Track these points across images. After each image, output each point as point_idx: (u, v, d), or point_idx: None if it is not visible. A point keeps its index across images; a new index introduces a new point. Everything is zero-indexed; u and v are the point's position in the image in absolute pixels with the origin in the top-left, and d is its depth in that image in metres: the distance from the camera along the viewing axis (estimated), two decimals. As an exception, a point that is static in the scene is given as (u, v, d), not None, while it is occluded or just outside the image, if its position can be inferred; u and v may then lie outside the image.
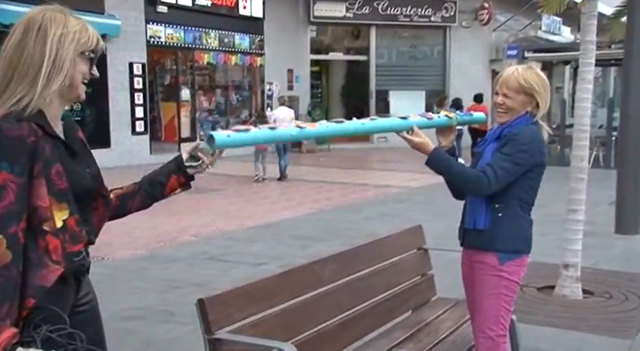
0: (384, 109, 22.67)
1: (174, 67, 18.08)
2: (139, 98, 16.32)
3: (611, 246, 7.63)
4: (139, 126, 16.40)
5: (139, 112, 16.37)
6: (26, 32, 1.92)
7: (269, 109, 16.25)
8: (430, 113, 3.18)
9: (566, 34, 27.49)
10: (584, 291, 5.75)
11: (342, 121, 2.78)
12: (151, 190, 2.32)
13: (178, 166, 2.33)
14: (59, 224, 1.90)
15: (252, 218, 9.54)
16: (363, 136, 22.33)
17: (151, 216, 9.77)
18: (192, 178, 2.36)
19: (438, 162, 2.97)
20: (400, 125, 2.98)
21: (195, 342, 3.05)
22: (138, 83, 16.27)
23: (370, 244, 3.89)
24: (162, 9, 16.66)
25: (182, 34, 17.53)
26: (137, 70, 16.20)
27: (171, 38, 17.29)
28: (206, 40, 18.25)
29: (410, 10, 22.41)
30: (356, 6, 21.81)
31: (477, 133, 14.57)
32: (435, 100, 20.03)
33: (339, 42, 24.03)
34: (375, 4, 21.98)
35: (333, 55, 23.90)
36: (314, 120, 20.49)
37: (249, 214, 9.96)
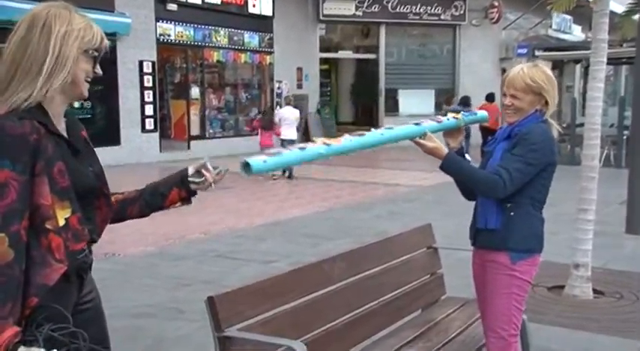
0: (393, 108, 22.66)
1: (184, 65, 18.11)
2: (148, 96, 16.36)
3: (622, 246, 7.59)
4: (149, 124, 16.44)
5: (149, 109, 16.41)
6: (30, 28, 1.91)
7: (278, 107, 16.26)
8: (439, 116, 3.16)
9: (576, 33, 27.36)
10: (595, 291, 5.72)
11: (363, 134, 2.77)
12: (151, 200, 2.31)
13: (182, 180, 2.33)
14: (62, 222, 1.90)
15: (262, 216, 9.55)
16: (373, 135, 22.33)
17: (161, 213, 9.78)
18: (194, 193, 2.35)
19: (452, 166, 2.96)
20: (415, 132, 2.96)
21: (204, 339, 3.05)
22: (148, 81, 16.31)
23: (380, 243, 3.89)
24: (172, 7, 16.69)
25: (192, 32, 17.56)
26: (147, 68, 16.24)
27: (181, 36, 17.32)
28: (216, 38, 18.27)
29: (419, 9, 22.36)
30: (365, 4, 21.78)
31: (488, 132, 14.52)
32: (444, 98, 20.01)
33: (349, 40, 24.01)
34: (384, 2, 21.94)
35: (342, 54, 23.89)
36: (323, 118, 20.67)
37: (259, 212, 9.97)
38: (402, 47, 23.30)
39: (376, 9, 21.90)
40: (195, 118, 18.18)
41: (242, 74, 19.92)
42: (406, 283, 3.89)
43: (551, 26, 25.40)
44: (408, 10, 22.26)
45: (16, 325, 1.78)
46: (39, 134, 1.85)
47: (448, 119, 3.13)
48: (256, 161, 2.31)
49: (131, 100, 15.92)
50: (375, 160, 18.52)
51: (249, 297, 2.81)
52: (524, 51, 20.62)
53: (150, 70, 16.34)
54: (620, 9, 12.09)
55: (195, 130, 18.13)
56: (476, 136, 15.41)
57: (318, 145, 2.55)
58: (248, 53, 19.32)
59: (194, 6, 17.31)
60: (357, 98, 25.20)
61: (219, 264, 6.82)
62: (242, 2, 18.60)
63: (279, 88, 20.13)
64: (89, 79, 2.02)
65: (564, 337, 4.76)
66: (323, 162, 16.24)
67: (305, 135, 20.03)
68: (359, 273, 3.52)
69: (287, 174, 13.86)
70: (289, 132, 14.01)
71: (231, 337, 2.61)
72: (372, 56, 23.02)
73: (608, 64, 6.02)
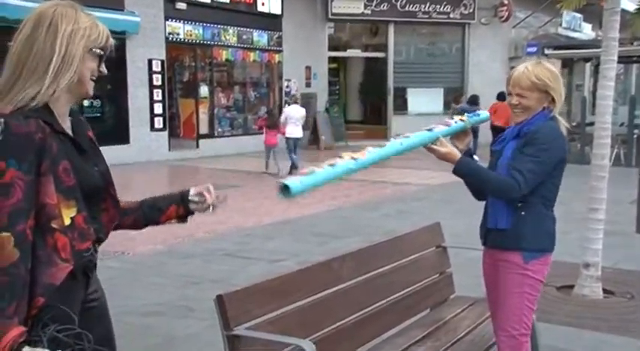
0: (402, 107, 22.63)
1: (193, 63, 18.14)
2: (157, 95, 16.40)
3: (632, 245, 7.55)
4: (158, 122, 16.47)
5: (158, 108, 16.45)
6: (36, 27, 1.91)
7: (287, 105, 16.27)
8: (448, 120, 3.14)
9: (587, 31, 27.22)
10: (605, 291, 5.69)
11: (383, 145, 2.78)
12: (148, 213, 2.30)
13: (182, 198, 2.32)
14: (67, 222, 1.89)
15: (270, 215, 9.55)
16: (381, 133, 22.32)
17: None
18: (191, 213, 2.34)
19: (465, 170, 2.96)
20: (429, 138, 2.94)
21: (214, 338, 3.05)
22: (157, 80, 16.34)
23: (389, 242, 3.88)
24: (182, 6, 16.71)
25: (201, 31, 17.58)
26: (156, 66, 16.28)
27: (190, 35, 17.34)
28: (224, 37, 18.29)
29: (428, 7, 22.30)
30: (374, 3, 21.74)
31: (499, 131, 14.46)
32: (452, 97, 19.97)
33: (357, 39, 23.98)
34: (393, 0, 21.89)
35: (351, 52, 23.86)
36: (332, 117, 20.64)
37: (267, 210, 9.97)
38: (411, 46, 23.24)
39: (385, 7, 21.85)
40: (204, 117, 18.21)
41: (251, 73, 19.94)
42: (415, 282, 3.89)
43: (561, 24, 25.28)
44: (417, 9, 22.21)
45: (22, 324, 1.78)
46: (44, 133, 1.85)
47: (456, 122, 3.11)
48: (294, 183, 2.32)
49: (140, 98, 15.96)
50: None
51: (258, 296, 2.81)
52: (534, 50, 20.55)
53: (159, 69, 16.37)
54: (631, 7, 12.03)
55: (203, 128, 18.15)
56: (484, 136, 15.35)
57: (347, 160, 2.56)
58: (257, 52, 19.34)
59: (203, 5, 17.33)
60: (365, 97, 25.16)
61: (228, 263, 6.83)
62: (251, 1, 18.61)
63: (287, 86, 20.14)
64: (94, 78, 2.02)
65: (573, 337, 4.74)
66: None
67: (313, 134, 20.05)
68: (368, 272, 3.52)
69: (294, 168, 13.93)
70: (295, 130, 14.07)
71: (240, 336, 2.61)
72: (380, 55, 22.97)
73: (618, 62, 5.99)
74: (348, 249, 3.60)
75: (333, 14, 21.41)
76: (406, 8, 22.07)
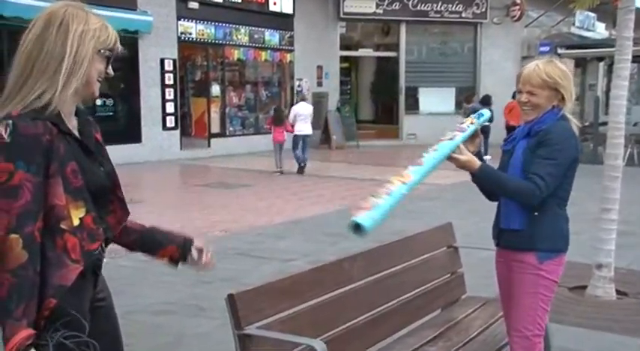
0: (413, 106, 22.58)
1: (205, 63, 18.18)
2: (169, 94, 16.45)
3: (646, 246, 7.49)
4: (170, 121, 16.52)
5: (170, 107, 16.50)
6: (47, 27, 1.91)
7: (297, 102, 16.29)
8: (460, 125, 3.08)
9: (600, 30, 27.03)
10: (618, 292, 5.66)
11: (420, 163, 2.77)
12: (148, 242, 2.29)
13: (185, 244, 2.32)
14: (76, 222, 1.89)
15: (282, 214, 9.56)
16: (392, 133, 22.31)
17: (182, 211, 9.86)
18: (184, 260, 2.33)
19: (486, 178, 2.93)
20: (452, 147, 2.89)
21: (225, 337, 3.06)
22: (169, 79, 16.40)
23: (400, 242, 3.87)
24: (194, 5, 16.76)
25: (213, 31, 17.62)
26: (168, 66, 16.33)
27: (202, 34, 17.39)
28: (236, 37, 18.32)
29: (440, 6, 22.24)
30: (386, 2, 21.70)
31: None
32: (464, 96, 19.89)
33: (369, 38, 23.94)
34: (405, 0, 21.85)
35: (362, 52, 23.84)
36: (343, 117, 20.63)
37: (279, 210, 9.98)
38: (423, 45, 23.18)
39: (397, 7, 21.81)
40: (215, 116, 18.25)
41: (262, 72, 19.96)
42: (426, 282, 3.88)
43: (574, 24, 25.13)
44: (429, 8, 22.15)
45: (32, 326, 1.78)
46: (51, 135, 1.85)
47: (468, 126, 3.07)
48: (365, 220, 2.40)
49: (152, 98, 16.01)
50: (395, 158, 18.48)
51: (269, 295, 2.81)
52: (547, 49, 20.43)
53: (171, 68, 16.42)
54: (644, 6, 11.93)
55: (215, 127, 18.19)
56: (495, 136, 15.28)
57: (399, 185, 2.62)
58: (268, 51, 19.36)
59: (215, 4, 17.38)
60: (377, 96, 25.13)
61: (239, 262, 6.83)
62: (263, 0, 18.64)
63: (299, 86, 20.14)
64: (101, 79, 2.02)
65: (586, 338, 4.71)
66: (343, 160, 16.28)
67: (325, 133, 20.05)
68: (379, 272, 3.51)
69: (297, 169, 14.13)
70: (304, 127, 14.19)
71: (251, 335, 2.61)
72: (392, 54, 22.93)
73: (632, 61, 5.94)
74: (359, 249, 3.59)
75: (344, 14, 21.40)
76: (418, 7, 22.02)
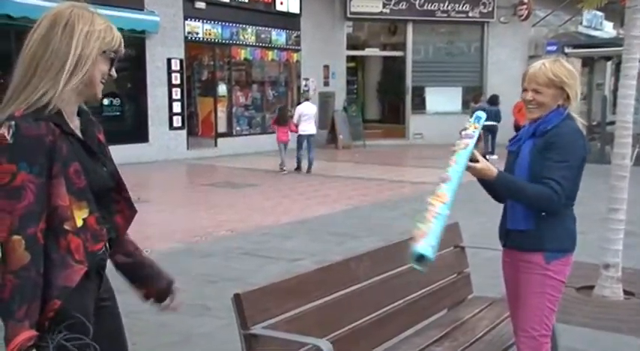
0: (420, 106, 22.55)
1: (212, 62, 18.20)
2: (176, 94, 16.48)
3: (653, 246, 7.46)
4: (177, 121, 16.55)
5: (177, 107, 16.53)
6: (52, 27, 1.92)
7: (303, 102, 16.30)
8: (467, 132, 3.00)
9: (608, 29, 26.93)
10: (625, 292, 5.64)
11: (446, 178, 2.81)
12: (136, 271, 2.28)
13: (166, 289, 2.34)
14: (80, 223, 1.89)
15: (288, 214, 9.56)
16: (399, 132, 22.30)
17: (189, 210, 9.88)
18: (159, 302, 2.35)
19: (503, 186, 2.92)
20: (467, 156, 2.89)
21: (230, 336, 3.06)
22: (176, 79, 16.42)
23: (406, 242, 3.85)
24: (201, 5, 16.78)
25: (219, 30, 17.64)
26: (175, 65, 16.35)
27: (209, 34, 17.41)
28: (243, 36, 18.34)
29: (447, 6, 22.20)
30: (393, 2, 21.68)
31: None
32: (471, 96, 19.85)
33: (376, 38, 23.93)
34: (412, -1, 21.85)
35: (369, 51, 23.83)
36: (350, 116, 20.62)
37: (285, 209, 9.98)
38: (430, 45, 23.15)
39: (403, 6, 21.79)
40: (222, 116, 18.27)
41: (269, 72, 19.97)
42: (433, 282, 3.87)
43: (581, 23, 25.04)
44: (436, 8, 22.12)
45: (34, 327, 1.78)
46: (54, 135, 1.85)
47: (473, 131, 3.03)
48: (426, 249, 2.47)
49: (159, 97, 16.04)
50: (402, 158, 18.46)
51: (275, 295, 2.81)
52: (554, 48, 20.36)
53: (178, 68, 16.45)
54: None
55: (222, 127, 18.21)
56: (503, 135, 15.26)
57: (440, 206, 2.67)
58: (275, 51, 19.37)
59: (222, 4, 17.40)
60: (383, 96, 25.11)
61: (246, 261, 6.84)
62: (269, 0, 18.64)
63: (305, 85, 20.15)
64: (104, 81, 2.02)
65: (593, 338, 4.70)
66: (350, 159, 16.27)
67: (331, 133, 20.04)
68: (385, 271, 3.51)
69: (298, 167, 14.25)
70: (309, 127, 14.25)
71: (257, 335, 2.61)
72: (399, 54, 22.91)
73: (640, 61, 5.92)
74: (366, 249, 3.59)
75: (351, 13, 21.39)
76: (425, 7, 21.99)
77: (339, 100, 21.19)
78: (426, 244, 2.46)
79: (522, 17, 22.72)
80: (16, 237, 1.77)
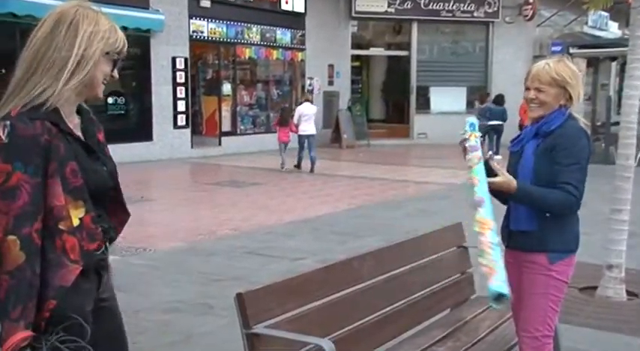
0: (424, 106, 22.54)
1: (217, 61, 18.20)
2: (181, 92, 16.49)
3: (657, 247, 7.44)
4: (181, 120, 16.56)
5: (181, 106, 16.54)
6: (57, 25, 1.92)
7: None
8: (472, 144, 2.96)
9: (613, 30, 26.87)
10: (628, 292, 5.63)
11: (481, 200, 2.80)
12: None
13: None
14: (76, 223, 1.89)
15: (292, 213, 9.57)
16: (403, 132, 22.29)
17: (192, 209, 9.89)
18: None
19: (525, 198, 2.93)
20: (485, 170, 2.90)
21: (233, 335, 3.06)
22: (180, 77, 16.43)
23: (410, 241, 3.87)
24: (206, 4, 16.79)
25: (224, 29, 17.64)
26: (180, 64, 16.36)
27: (214, 33, 17.42)
28: (248, 35, 18.34)
29: (452, 6, 22.18)
30: (397, 1, 21.66)
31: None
32: (477, 96, 19.82)
33: (380, 37, 23.91)
34: (417, -1, 21.82)
35: (374, 51, 23.81)
36: (354, 116, 20.61)
37: (289, 208, 9.99)
38: (434, 44, 23.12)
39: (408, 6, 21.77)
40: (226, 115, 18.28)
41: (274, 71, 19.98)
42: (436, 282, 3.87)
43: (586, 23, 24.99)
44: (441, 7, 22.10)
45: (30, 327, 1.77)
46: (50, 135, 1.84)
47: (475, 141, 2.99)
48: (502, 287, 2.56)
49: (164, 96, 16.06)
50: (406, 158, 18.45)
51: (278, 294, 2.81)
52: (559, 48, 20.30)
53: (182, 67, 16.46)
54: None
55: (226, 126, 18.22)
56: (508, 135, 15.23)
57: (489, 233, 2.72)
58: (280, 50, 19.37)
59: (227, 3, 17.40)
60: (388, 95, 25.09)
61: (249, 260, 6.84)
62: (275, -1, 18.67)
63: (310, 84, 20.15)
64: (105, 82, 2.02)
65: (595, 339, 4.69)
66: (353, 159, 16.25)
67: (335, 132, 20.04)
68: (388, 271, 3.51)
69: (298, 165, 14.33)
70: (309, 127, 14.30)
71: (259, 334, 2.61)
72: (403, 53, 22.89)
73: (645, 61, 5.90)
74: (369, 248, 3.59)
75: (356, 12, 21.39)
76: (430, 7, 21.97)
77: (344, 100, 21.19)
78: (498, 281, 2.51)
79: (527, 17, 22.68)
80: (11, 237, 1.77)
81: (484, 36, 23.18)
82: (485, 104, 17.71)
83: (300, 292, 2.92)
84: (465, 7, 22.27)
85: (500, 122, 16.73)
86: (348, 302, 3.17)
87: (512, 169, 3.05)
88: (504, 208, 3.17)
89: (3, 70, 11.62)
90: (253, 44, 18.53)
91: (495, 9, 22.57)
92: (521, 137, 3.14)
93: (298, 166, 14.35)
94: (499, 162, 3.07)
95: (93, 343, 1.91)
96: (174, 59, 16.20)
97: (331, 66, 20.92)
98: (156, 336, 4.61)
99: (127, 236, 7.22)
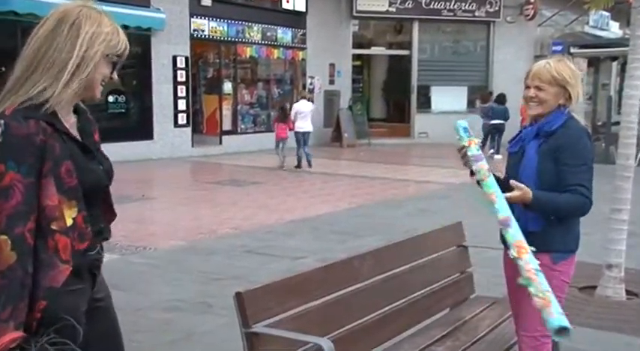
0: (425, 105, 22.54)
1: (217, 60, 18.19)
2: (181, 91, 16.49)
3: (657, 247, 7.43)
4: (182, 118, 16.56)
5: (182, 104, 16.54)
6: (59, 25, 1.91)
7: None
8: (475, 153, 2.88)
9: (614, 29, 26.85)
10: (628, 292, 5.63)
11: (507, 221, 2.76)
12: None
13: None
14: (69, 223, 1.88)
15: (292, 212, 9.57)
16: (404, 131, 22.28)
17: (193, 208, 9.89)
18: None
19: (541, 205, 2.91)
20: (496, 182, 2.84)
21: (232, 335, 3.06)
22: (181, 76, 16.43)
23: (410, 241, 3.87)
24: (207, 2, 16.78)
25: (225, 28, 17.64)
26: (180, 63, 16.36)
27: (215, 32, 17.41)
28: (249, 34, 18.34)
29: (453, 5, 22.16)
30: (399, 0, 21.65)
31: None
32: (478, 95, 19.81)
33: (382, 36, 23.89)
34: (418, -2, 21.81)
35: (375, 50, 23.79)
36: (355, 115, 20.61)
37: (289, 207, 9.99)
38: (435, 44, 23.10)
39: (410, 5, 21.75)
40: (227, 114, 18.27)
41: (274, 70, 19.97)
42: (435, 282, 3.87)
43: (587, 23, 24.97)
44: (442, 7, 22.08)
45: (20, 328, 1.76)
46: (45, 134, 1.83)
47: (477, 148, 2.91)
48: (565, 321, 2.53)
49: (164, 95, 16.06)
50: (406, 157, 18.45)
51: (277, 293, 2.81)
52: (560, 48, 20.29)
53: (183, 66, 16.46)
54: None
55: (227, 125, 18.22)
56: (509, 135, 15.24)
57: (527, 257, 2.67)
58: (281, 49, 19.37)
59: (228, 2, 17.39)
60: (389, 95, 25.07)
61: (249, 259, 6.85)
62: (276, -2, 18.67)
63: (311, 83, 20.14)
64: (104, 83, 2.01)
65: (595, 339, 4.69)
66: (354, 158, 16.25)
67: (336, 131, 20.04)
68: (388, 270, 3.51)
69: (298, 165, 14.39)
70: (304, 124, 14.49)
71: (259, 333, 2.61)
72: (405, 53, 22.88)
73: (645, 61, 5.90)
74: (369, 247, 3.59)
75: (357, 12, 21.37)
76: (431, 6, 21.95)
77: (345, 99, 21.18)
78: (557, 314, 2.51)
79: (528, 17, 22.67)
80: (2, 237, 1.76)
81: (485, 35, 23.16)
82: (488, 104, 17.73)
83: (300, 291, 2.92)
84: (466, 7, 22.25)
85: (502, 121, 16.79)
86: (348, 301, 3.17)
87: (512, 170, 3.06)
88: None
89: (3, 68, 11.61)
90: (254, 43, 18.52)
91: (496, 8, 22.55)
92: (520, 138, 3.14)
93: (298, 165, 14.39)
94: (499, 162, 3.07)
95: (85, 343, 1.89)
96: (175, 58, 16.19)
97: (332, 65, 20.91)
98: (156, 335, 4.62)
99: (127, 235, 7.24)
